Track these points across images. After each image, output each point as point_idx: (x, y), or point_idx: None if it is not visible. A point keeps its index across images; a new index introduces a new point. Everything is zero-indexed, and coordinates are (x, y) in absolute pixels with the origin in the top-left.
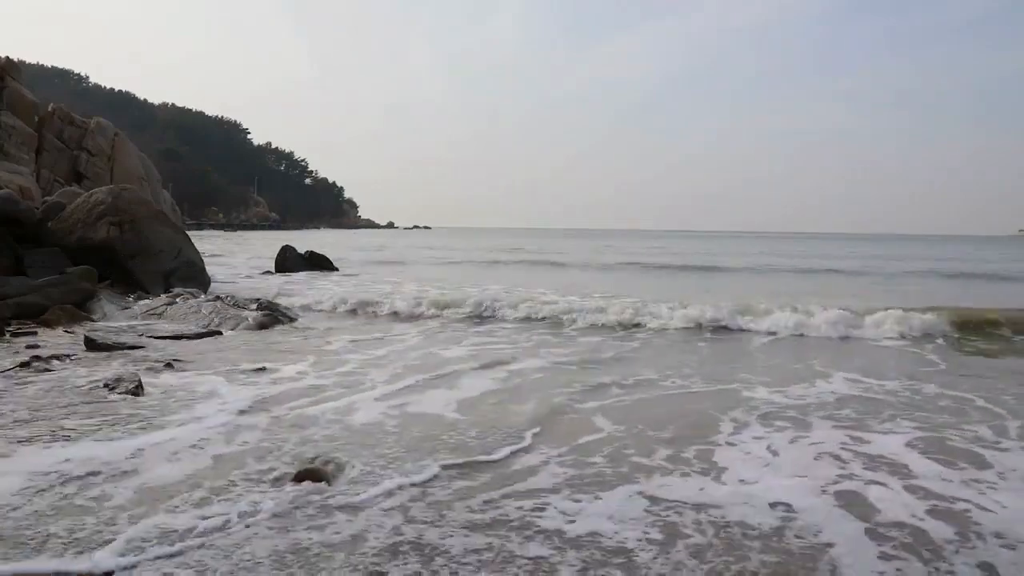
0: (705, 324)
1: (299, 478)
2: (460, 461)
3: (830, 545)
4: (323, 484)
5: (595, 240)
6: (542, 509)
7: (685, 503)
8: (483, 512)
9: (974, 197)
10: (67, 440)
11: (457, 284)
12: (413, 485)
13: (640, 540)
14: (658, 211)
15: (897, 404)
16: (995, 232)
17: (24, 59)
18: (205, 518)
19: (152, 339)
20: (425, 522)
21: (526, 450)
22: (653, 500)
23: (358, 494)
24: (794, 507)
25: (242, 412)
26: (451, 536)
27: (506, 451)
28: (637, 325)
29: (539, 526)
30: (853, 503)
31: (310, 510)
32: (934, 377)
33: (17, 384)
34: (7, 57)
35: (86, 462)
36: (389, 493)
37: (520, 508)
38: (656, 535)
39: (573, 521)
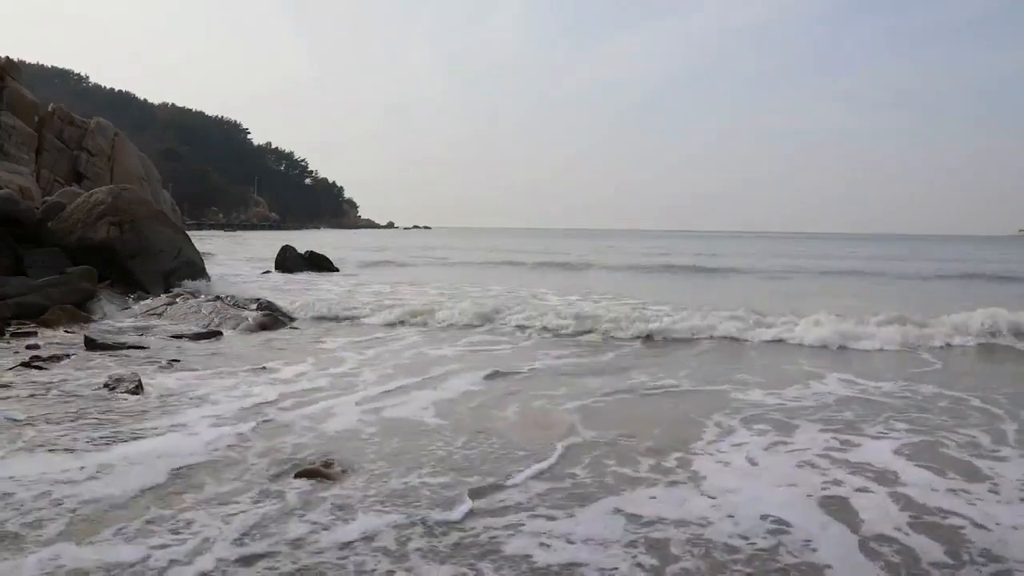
0: (704, 330)
1: (300, 476)
2: (446, 480)
3: (828, 567)
4: (325, 481)
5: (597, 240)
6: (518, 528)
7: (667, 519)
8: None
9: (974, 197)
10: (27, 452)
11: (458, 285)
12: (403, 518)
13: (630, 565)
14: (658, 211)
15: (895, 407)
16: (995, 232)
17: (24, 59)
18: (156, 548)
19: (152, 339)
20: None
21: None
22: (632, 518)
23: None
24: (785, 520)
25: (235, 419)
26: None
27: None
28: (648, 333)
29: (508, 552)
30: (846, 517)
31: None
32: (927, 377)
33: (11, 385)
34: (7, 57)
35: (37, 479)
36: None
37: (490, 528)
38: (644, 559)
39: (548, 546)
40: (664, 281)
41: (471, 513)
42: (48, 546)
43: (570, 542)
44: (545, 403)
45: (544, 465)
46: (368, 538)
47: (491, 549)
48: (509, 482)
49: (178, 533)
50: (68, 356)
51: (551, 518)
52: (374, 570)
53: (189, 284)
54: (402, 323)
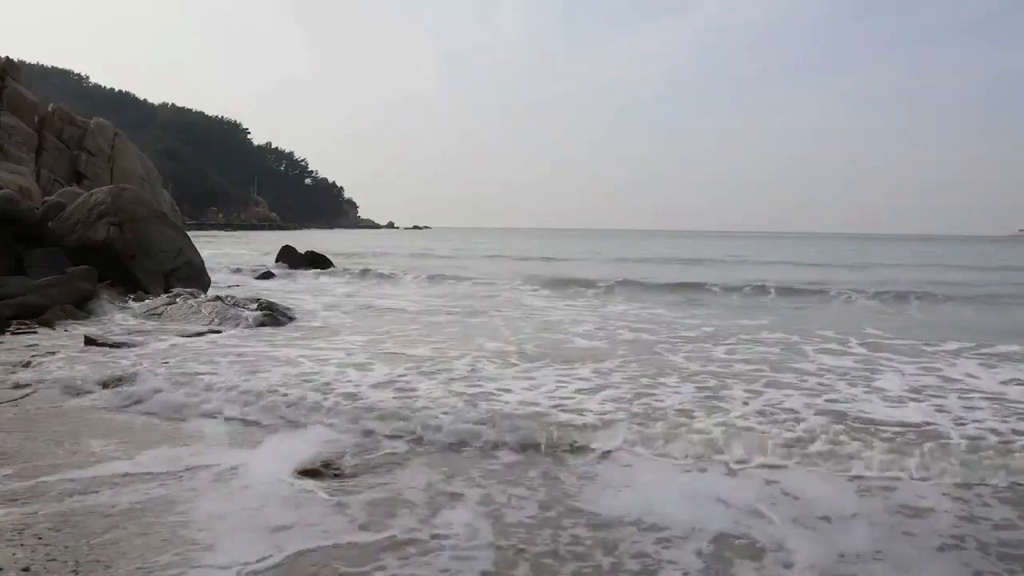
0: None
1: (302, 475)
2: None
3: None
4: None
5: (603, 240)
6: None
7: None
8: None
9: (973, 197)
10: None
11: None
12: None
13: None
14: (658, 211)
15: None
16: (995, 232)
17: (24, 59)
18: None
19: (152, 339)
20: None
21: None
22: None
23: None
24: None
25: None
26: None
27: None
28: None
29: None
30: None
31: None
32: None
33: (11, 385)
34: (7, 57)
35: None
36: None
37: None
38: None
39: None
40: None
41: None
42: None
43: None
44: None
45: None
46: None
47: None
48: None
49: None
50: (68, 356)
51: None
52: None
53: (189, 284)
54: (408, 320)
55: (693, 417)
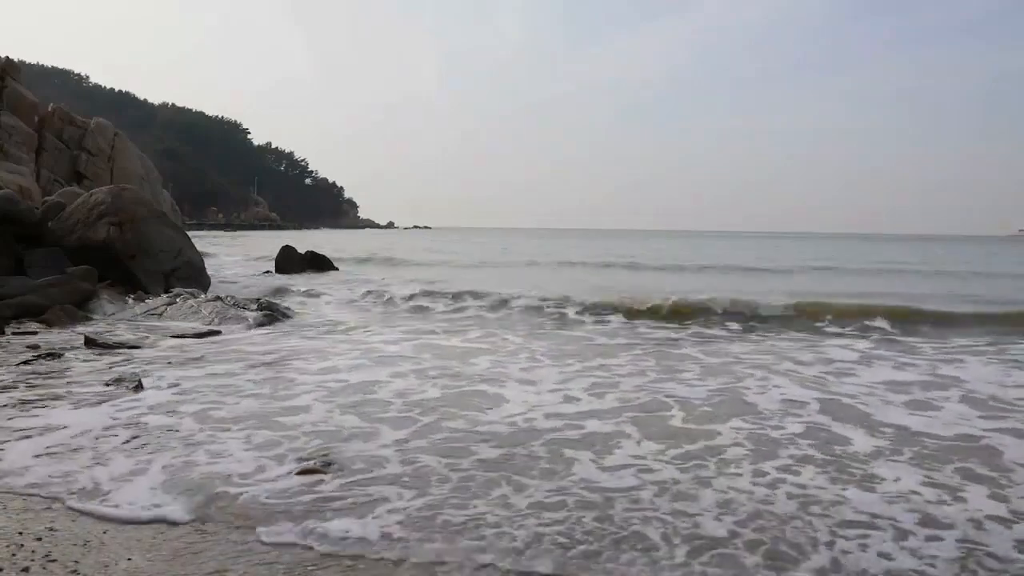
0: None
1: (300, 474)
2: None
3: None
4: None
5: (612, 241)
6: None
7: None
8: None
9: (974, 197)
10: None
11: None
12: None
13: None
14: (658, 211)
15: None
16: (995, 232)
17: (24, 59)
18: None
19: (152, 339)
20: None
21: None
22: None
23: None
24: None
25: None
26: None
27: None
28: None
29: None
30: None
31: None
32: None
33: (11, 385)
34: (7, 57)
35: None
36: None
37: None
38: None
39: None
40: None
41: None
42: None
43: None
44: None
45: None
46: None
47: None
48: None
49: None
50: (68, 356)
51: None
52: None
53: (189, 284)
54: (409, 317)
55: None
